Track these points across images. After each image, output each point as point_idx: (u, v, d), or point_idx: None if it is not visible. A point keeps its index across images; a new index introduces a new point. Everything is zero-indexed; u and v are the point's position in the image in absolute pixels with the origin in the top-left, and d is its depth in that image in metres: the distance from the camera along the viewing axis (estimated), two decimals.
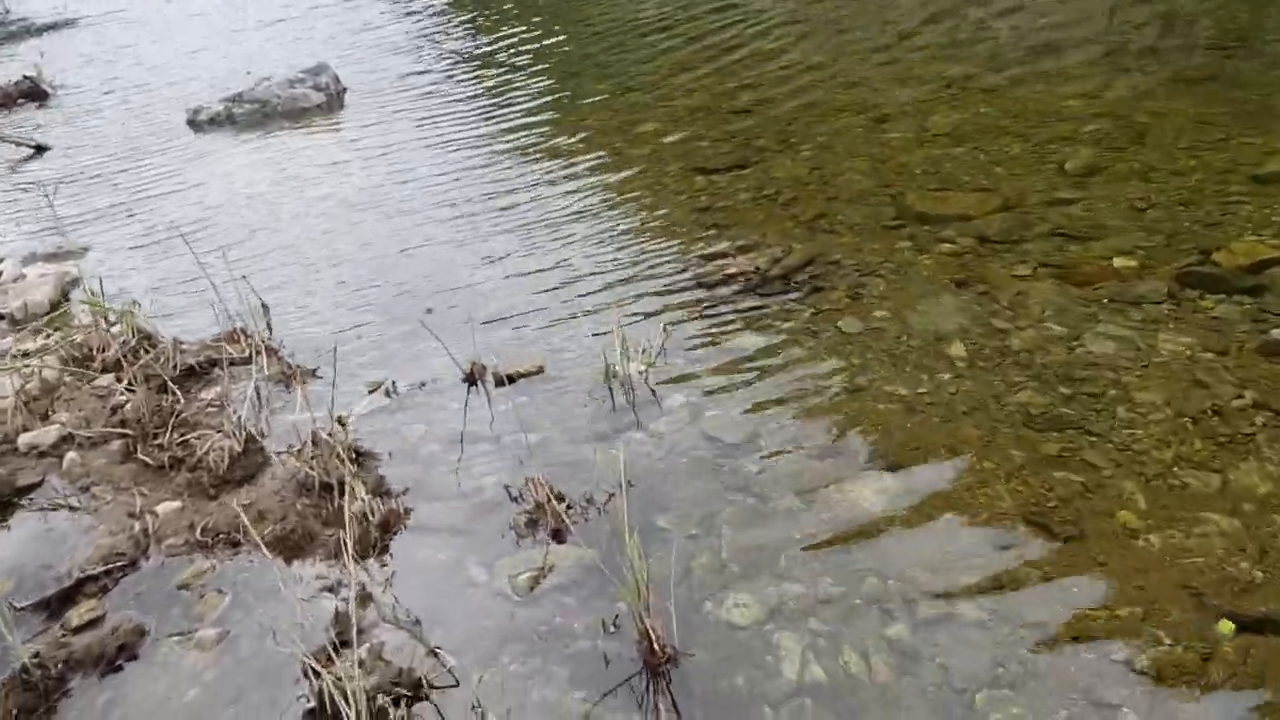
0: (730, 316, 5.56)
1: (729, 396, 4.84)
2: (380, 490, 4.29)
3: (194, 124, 11.20)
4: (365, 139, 10.03)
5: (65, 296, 6.95)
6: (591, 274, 6.31)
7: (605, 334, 5.29)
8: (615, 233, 6.86)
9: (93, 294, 5.92)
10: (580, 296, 6.01)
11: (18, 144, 11.52)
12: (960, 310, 5.27)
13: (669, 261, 6.32)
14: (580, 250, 6.66)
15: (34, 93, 14.29)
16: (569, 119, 9.77)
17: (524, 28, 13.78)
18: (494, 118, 10.09)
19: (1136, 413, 4.32)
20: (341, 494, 4.16)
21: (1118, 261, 5.49)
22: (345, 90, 11.65)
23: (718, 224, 6.80)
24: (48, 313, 6.64)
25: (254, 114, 11.17)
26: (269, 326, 6.04)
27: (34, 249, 7.98)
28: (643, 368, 5.00)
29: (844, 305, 5.50)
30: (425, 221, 7.61)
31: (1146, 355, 4.68)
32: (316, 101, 11.23)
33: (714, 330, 5.45)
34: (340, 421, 4.62)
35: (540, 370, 5.15)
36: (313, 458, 4.26)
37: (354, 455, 4.48)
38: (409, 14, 15.94)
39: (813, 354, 5.09)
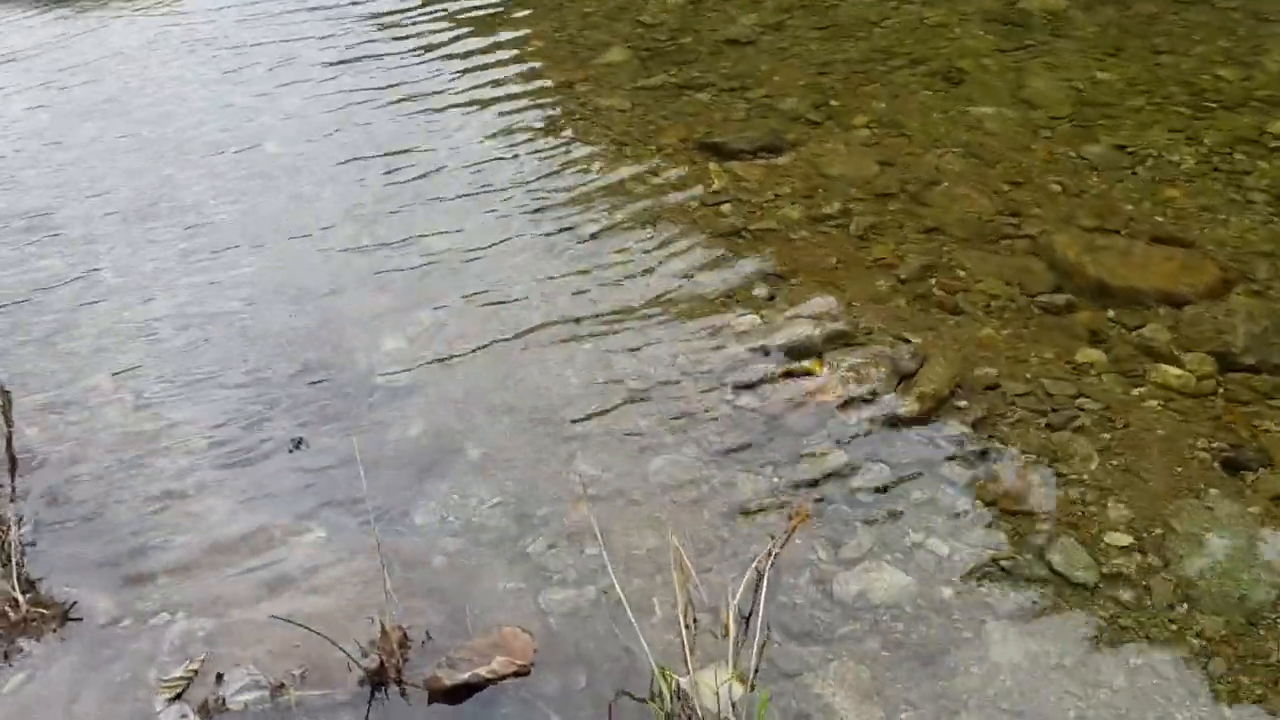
0: (854, 526, 3.03)
1: None
2: None
3: None
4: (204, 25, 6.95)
5: None
6: (599, 390, 3.67)
7: (635, 568, 2.74)
8: (598, 291, 4.19)
9: None
10: (583, 448, 3.40)
11: None
12: None
13: (705, 363, 3.70)
14: (565, 353, 3.99)
15: None
16: (505, 31, 6.86)
17: None
18: (396, 29, 7.09)
19: None
20: None
21: None
22: None
23: (765, 271, 4.18)
24: None
25: None
26: (6, 437, 3.29)
27: None
28: (726, 682, 2.46)
29: (1063, 518, 3.02)
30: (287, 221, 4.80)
31: None
32: None
33: (835, 566, 2.92)
34: None
35: (524, 671, 2.56)
36: None
37: None
38: None
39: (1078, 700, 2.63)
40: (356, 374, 3.73)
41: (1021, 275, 4.06)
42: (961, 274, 4.08)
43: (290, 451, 3.30)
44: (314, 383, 3.69)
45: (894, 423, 3.33)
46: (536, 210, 4.69)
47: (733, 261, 4.24)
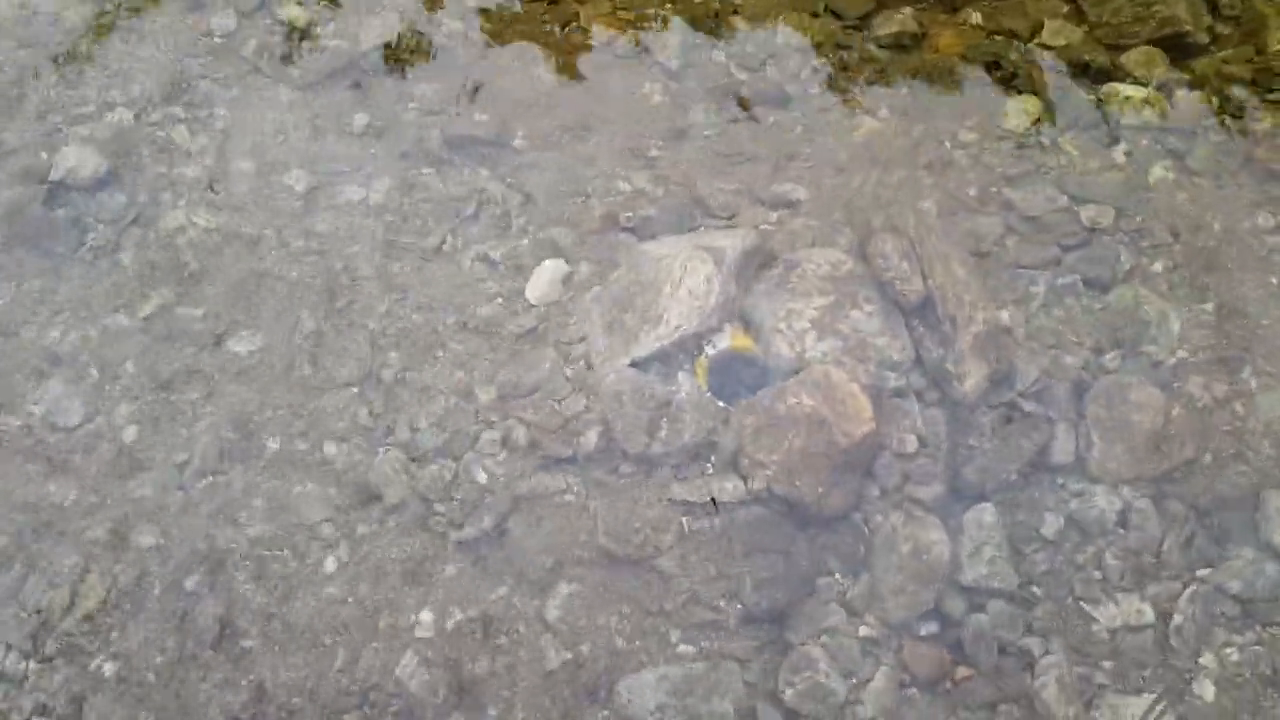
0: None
1: None
2: None
3: None
4: None
5: None
6: None
7: None
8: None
9: None
10: None
11: None
12: None
13: (545, 414, 2.09)
14: None
15: None
16: None
17: None
18: None
19: None
20: None
21: None
22: None
23: (460, 152, 2.41)
24: None
25: None
26: None
27: None
28: None
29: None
30: None
31: None
32: None
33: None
34: None
35: None
36: None
37: None
38: None
39: None
40: None
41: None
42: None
43: None
44: None
45: (960, 417, 2.00)
46: None
47: (396, 152, 2.30)
